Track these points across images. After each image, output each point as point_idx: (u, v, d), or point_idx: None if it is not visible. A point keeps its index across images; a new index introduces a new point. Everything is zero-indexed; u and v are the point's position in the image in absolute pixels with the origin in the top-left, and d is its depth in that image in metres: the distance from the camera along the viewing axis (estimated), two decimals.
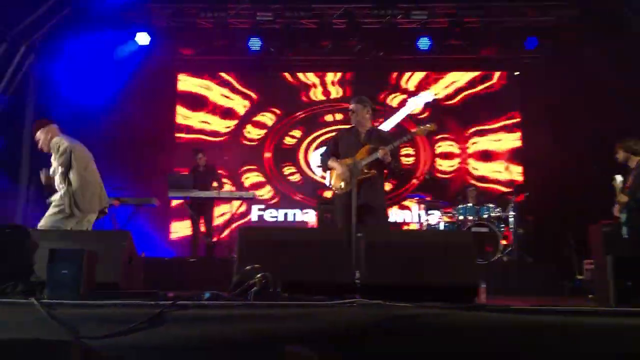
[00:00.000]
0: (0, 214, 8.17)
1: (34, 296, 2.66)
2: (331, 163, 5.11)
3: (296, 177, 10.50)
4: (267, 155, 10.59)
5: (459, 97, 10.37)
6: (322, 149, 5.58)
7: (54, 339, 2.38)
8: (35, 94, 9.76)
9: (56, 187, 5.14)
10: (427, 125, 5.16)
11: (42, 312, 2.54)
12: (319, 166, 10.34)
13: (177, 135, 10.57)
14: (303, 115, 10.64)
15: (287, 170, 10.52)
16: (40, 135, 5.25)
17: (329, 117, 10.59)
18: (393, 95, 10.48)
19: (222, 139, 10.61)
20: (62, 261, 2.68)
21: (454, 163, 10.23)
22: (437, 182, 9.46)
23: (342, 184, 4.96)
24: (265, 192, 10.41)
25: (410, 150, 10.25)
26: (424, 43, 9.37)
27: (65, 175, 5.06)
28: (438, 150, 10.30)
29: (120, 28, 9.55)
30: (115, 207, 7.17)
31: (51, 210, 5.10)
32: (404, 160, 9.94)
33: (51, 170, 5.20)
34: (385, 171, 5.06)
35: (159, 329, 2.56)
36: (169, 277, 6.39)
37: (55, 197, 5.14)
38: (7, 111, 9.47)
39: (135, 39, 9.61)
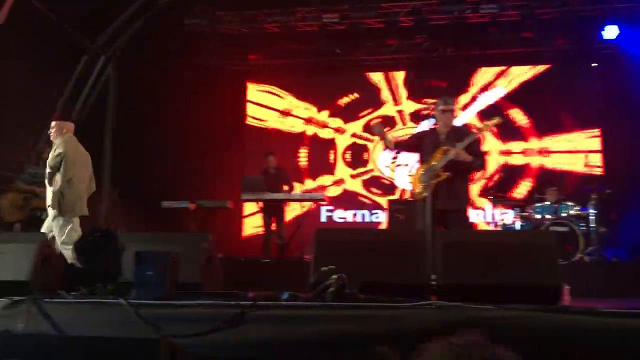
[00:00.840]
0: (83, 217, 8.58)
1: (122, 296, 2.79)
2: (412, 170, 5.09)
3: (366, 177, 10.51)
4: (336, 155, 10.65)
5: (532, 92, 10.01)
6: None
7: (141, 336, 2.49)
8: (114, 103, 10.24)
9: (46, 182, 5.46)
10: (493, 119, 5.00)
11: (130, 311, 2.66)
12: (387, 166, 10.36)
13: (248, 138, 10.80)
14: (372, 114, 10.60)
15: (358, 170, 10.56)
16: (54, 125, 5.59)
17: (393, 112, 10.53)
18: (463, 91, 10.26)
19: (291, 140, 10.75)
20: (148, 263, 2.79)
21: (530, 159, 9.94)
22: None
23: (420, 189, 4.87)
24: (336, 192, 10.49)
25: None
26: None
27: (52, 176, 5.37)
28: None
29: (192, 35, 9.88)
30: (192, 210, 7.41)
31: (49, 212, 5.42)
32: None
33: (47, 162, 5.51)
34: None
35: (240, 329, 2.62)
36: (242, 277, 6.50)
37: (49, 197, 5.42)
38: (88, 121, 9.99)
39: None
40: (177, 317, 2.66)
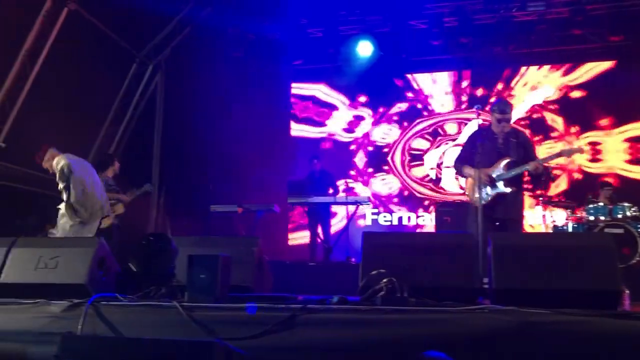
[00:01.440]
0: (135, 222, 8.82)
1: (175, 299, 2.85)
2: (467, 171, 4.92)
3: (393, 184, 10.42)
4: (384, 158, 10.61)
5: (584, 91, 9.72)
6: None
7: (196, 339, 2.53)
8: (162, 110, 10.49)
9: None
10: (576, 146, 4.87)
11: (184, 314, 2.70)
12: (432, 168, 10.24)
13: (294, 142, 10.87)
14: (413, 116, 10.52)
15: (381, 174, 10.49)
16: (46, 164, 5.66)
17: (437, 109, 10.40)
18: (510, 91, 10.05)
19: (335, 143, 10.78)
20: (200, 266, 2.83)
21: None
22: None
23: (479, 195, 4.72)
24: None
25: None
26: None
27: (65, 189, 5.48)
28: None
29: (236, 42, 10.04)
30: (239, 213, 7.50)
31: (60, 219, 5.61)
32: None
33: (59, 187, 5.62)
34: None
35: (291, 332, 2.63)
36: (289, 281, 6.53)
37: (61, 207, 5.58)
38: (137, 127, 10.28)
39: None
40: (230, 319, 2.68)
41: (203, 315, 2.70)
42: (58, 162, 5.54)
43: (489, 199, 4.72)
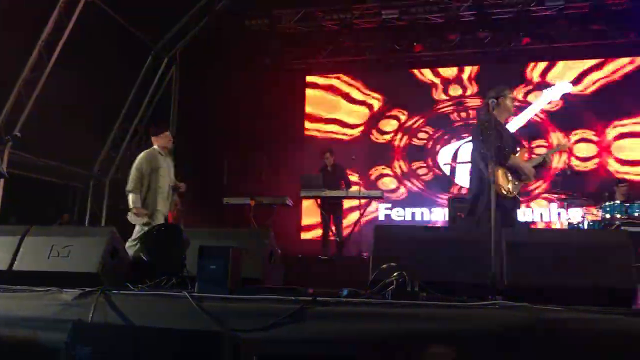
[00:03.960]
0: None
1: (186, 289, 2.85)
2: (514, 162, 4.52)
3: (427, 176, 10.35)
4: (397, 153, 10.55)
5: (601, 87, 9.59)
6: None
7: (204, 329, 2.54)
8: (177, 103, 10.54)
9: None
10: (562, 143, 4.75)
11: (193, 304, 2.70)
12: (446, 164, 10.17)
13: (307, 136, 10.86)
14: (430, 112, 10.44)
15: (416, 168, 10.41)
16: (169, 142, 5.96)
17: (458, 113, 10.31)
18: (527, 87, 9.94)
19: (349, 138, 10.74)
20: (211, 257, 2.83)
21: (593, 160, 9.50)
22: (576, 177, 8.75)
23: (511, 187, 4.45)
24: (397, 192, 10.39)
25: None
26: None
27: None
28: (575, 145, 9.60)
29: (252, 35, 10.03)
30: (252, 206, 7.51)
31: None
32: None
33: (171, 172, 5.84)
34: None
35: (300, 324, 2.62)
36: (301, 274, 6.53)
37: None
38: (153, 119, 10.33)
39: None
40: (239, 311, 2.68)
41: (212, 306, 2.70)
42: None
43: (518, 189, 4.54)
